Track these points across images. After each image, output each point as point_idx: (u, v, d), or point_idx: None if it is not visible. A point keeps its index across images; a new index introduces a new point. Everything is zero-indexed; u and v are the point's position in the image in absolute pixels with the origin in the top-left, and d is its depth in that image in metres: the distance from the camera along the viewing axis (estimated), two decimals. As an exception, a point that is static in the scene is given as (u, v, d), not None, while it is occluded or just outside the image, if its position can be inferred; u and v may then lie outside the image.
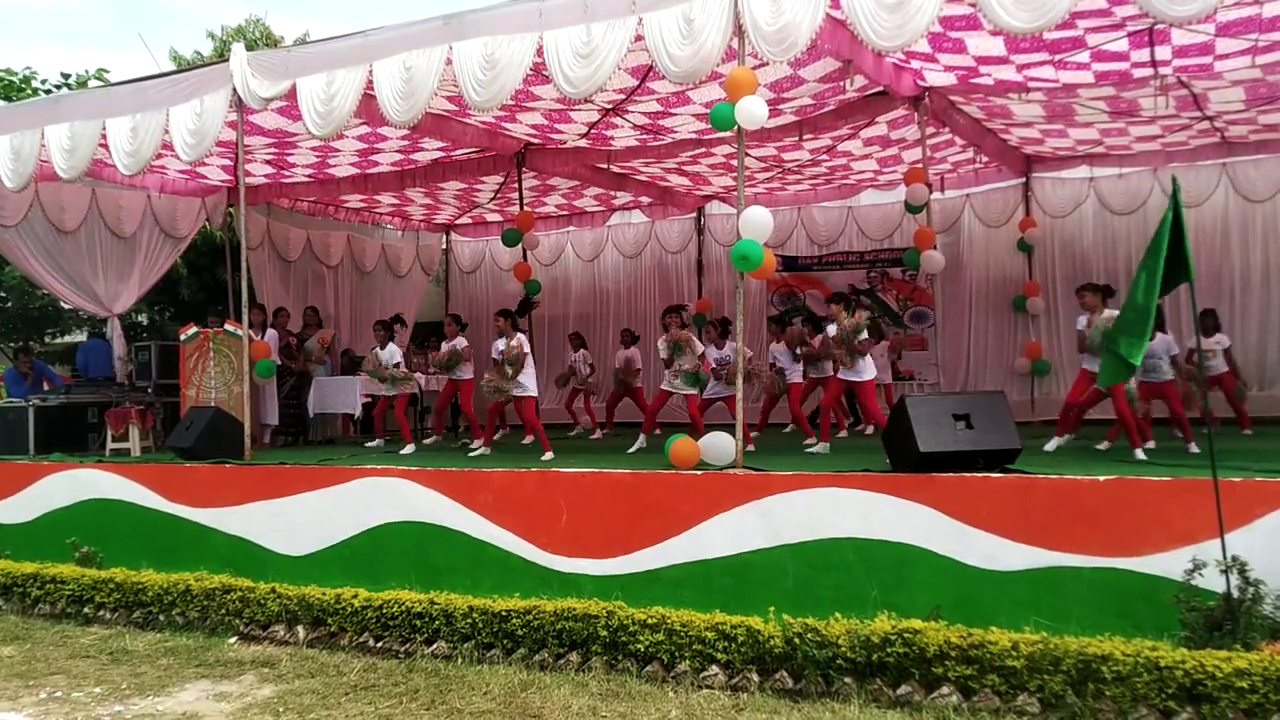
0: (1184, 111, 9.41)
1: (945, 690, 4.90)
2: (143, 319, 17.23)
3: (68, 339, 18.93)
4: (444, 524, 7.07)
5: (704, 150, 10.54)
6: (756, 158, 10.91)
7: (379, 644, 6.34)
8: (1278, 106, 9.29)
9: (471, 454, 8.75)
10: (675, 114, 9.22)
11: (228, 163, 10.82)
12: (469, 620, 6.09)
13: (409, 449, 9.55)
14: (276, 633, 6.70)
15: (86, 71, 17.30)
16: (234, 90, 8.13)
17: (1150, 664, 4.57)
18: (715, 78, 7.23)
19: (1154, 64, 7.98)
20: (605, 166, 11.36)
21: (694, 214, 14.40)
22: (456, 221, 15.53)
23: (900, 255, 12.02)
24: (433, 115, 8.92)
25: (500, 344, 9.22)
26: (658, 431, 8.92)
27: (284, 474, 7.98)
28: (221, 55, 12.18)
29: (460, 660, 5.97)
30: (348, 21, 58.76)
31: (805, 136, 9.67)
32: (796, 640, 5.22)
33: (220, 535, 7.91)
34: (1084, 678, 4.68)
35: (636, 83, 8.20)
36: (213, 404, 9.51)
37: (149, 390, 11.01)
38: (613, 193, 12.94)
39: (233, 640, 6.76)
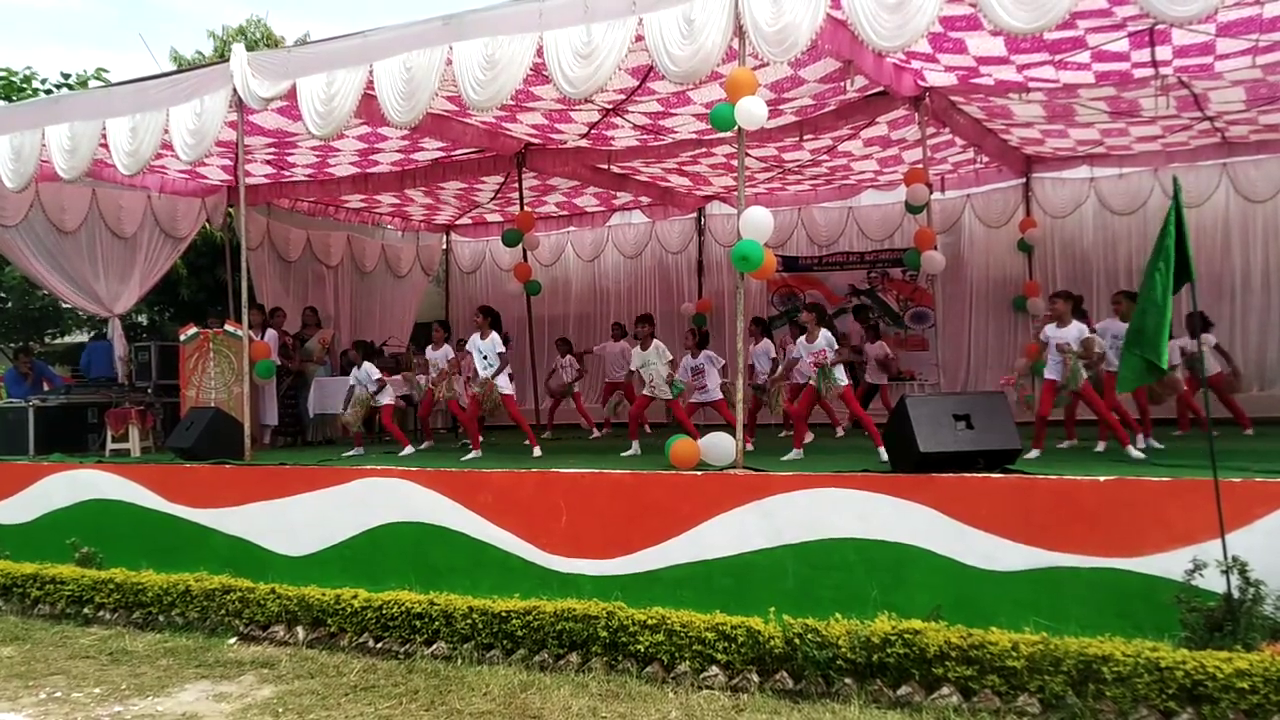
0: (1184, 112, 9.41)
1: (945, 691, 4.90)
2: (143, 319, 17.22)
3: (68, 339, 18.93)
4: (444, 524, 7.07)
5: (704, 150, 10.54)
6: (757, 158, 10.91)
7: (379, 644, 6.33)
8: (1278, 107, 9.28)
9: (464, 460, 8.73)
10: (675, 114, 9.22)
11: (228, 163, 10.82)
12: (469, 621, 6.08)
13: (408, 450, 9.54)
14: (276, 633, 6.69)
15: (85, 71, 17.31)
16: (234, 90, 8.13)
17: (1151, 664, 4.56)
18: (715, 78, 7.23)
19: (1154, 64, 7.97)
20: (605, 167, 11.36)
21: (694, 214, 14.40)
22: (457, 222, 15.53)
23: (901, 255, 12.01)
24: (433, 115, 8.91)
25: (480, 344, 9.17)
26: (648, 429, 8.92)
27: (284, 474, 7.97)
28: (222, 55, 12.18)
29: (460, 661, 5.97)
30: (348, 22, 58.78)
31: (806, 137, 9.67)
32: (797, 641, 5.21)
33: (220, 536, 7.91)
34: (1084, 678, 4.67)
35: (637, 83, 8.20)
36: (213, 404, 9.51)
37: (149, 391, 11.02)
38: (613, 193, 12.94)
39: (232, 641, 6.76)
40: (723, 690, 5.28)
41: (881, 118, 9.38)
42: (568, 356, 12.41)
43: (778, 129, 9.35)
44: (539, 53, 6.88)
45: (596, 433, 11.76)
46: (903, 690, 4.98)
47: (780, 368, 10.07)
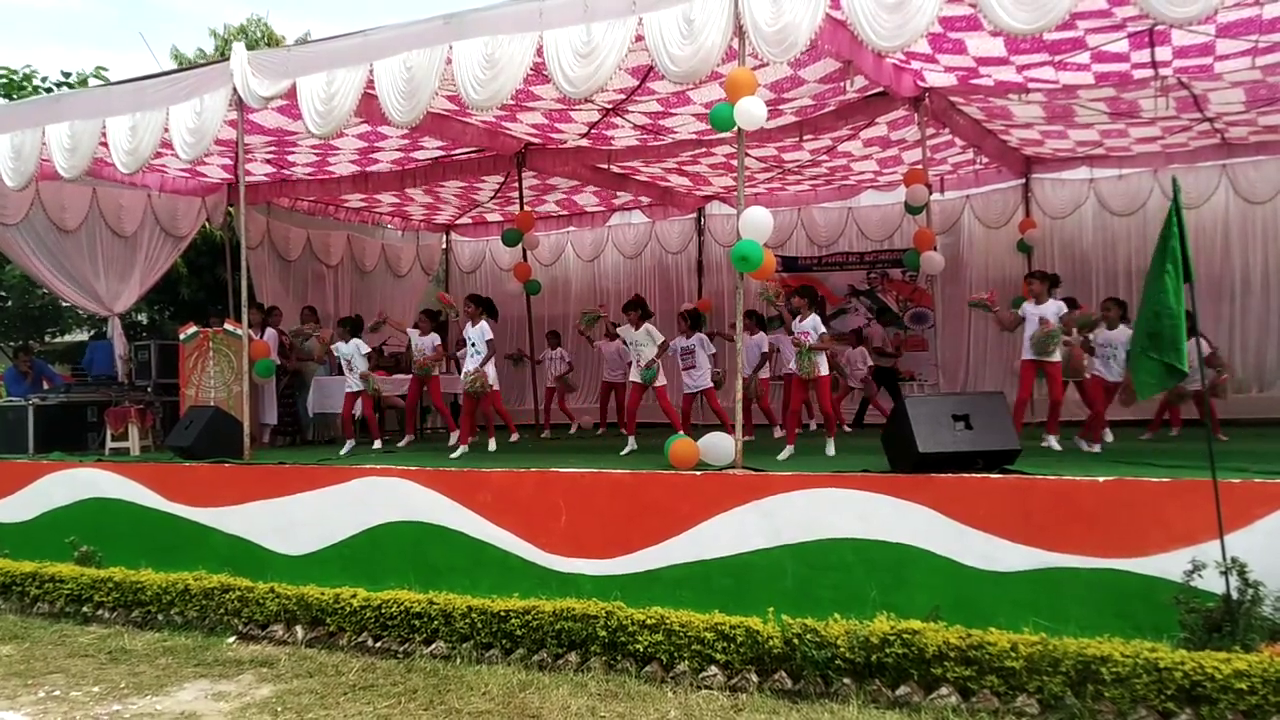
0: (1184, 113, 9.42)
1: (944, 691, 4.90)
2: (142, 318, 17.23)
3: (68, 338, 18.94)
4: (443, 524, 7.07)
5: (704, 150, 10.54)
6: (757, 158, 10.92)
7: (377, 644, 6.33)
8: (1278, 108, 9.29)
9: (453, 456, 8.73)
10: (675, 114, 9.23)
11: (228, 161, 10.83)
12: (468, 620, 6.08)
13: (377, 444, 9.58)
14: (275, 632, 6.69)
15: (83, 71, 17.31)
16: (234, 89, 8.13)
17: (1149, 665, 4.56)
18: (715, 78, 7.23)
19: (1154, 65, 7.98)
20: (605, 166, 11.36)
21: (694, 214, 14.42)
22: (457, 221, 15.53)
23: (900, 256, 12.02)
24: (433, 114, 8.92)
25: (470, 331, 9.12)
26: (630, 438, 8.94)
27: (283, 474, 7.97)
28: (223, 54, 12.17)
29: (459, 660, 5.97)
30: (348, 21, 58.77)
31: (805, 137, 9.68)
32: (795, 641, 5.21)
33: (219, 535, 7.91)
34: (1083, 679, 4.67)
35: (637, 83, 8.20)
36: (212, 403, 9.51)
37: (148, 389, 11.01)
38: (613, 193, 12.95)
39: (231, 640, 6.76)
40: (721, 690, 5.28)
41: (881, 118, 9.39)
42: (558, 349, 12.44)
43: (777, 129, 9.36)
44: (539, 52, 6.88)
45: (563, 431, 11.83)
46: (901, 690, 4.98)
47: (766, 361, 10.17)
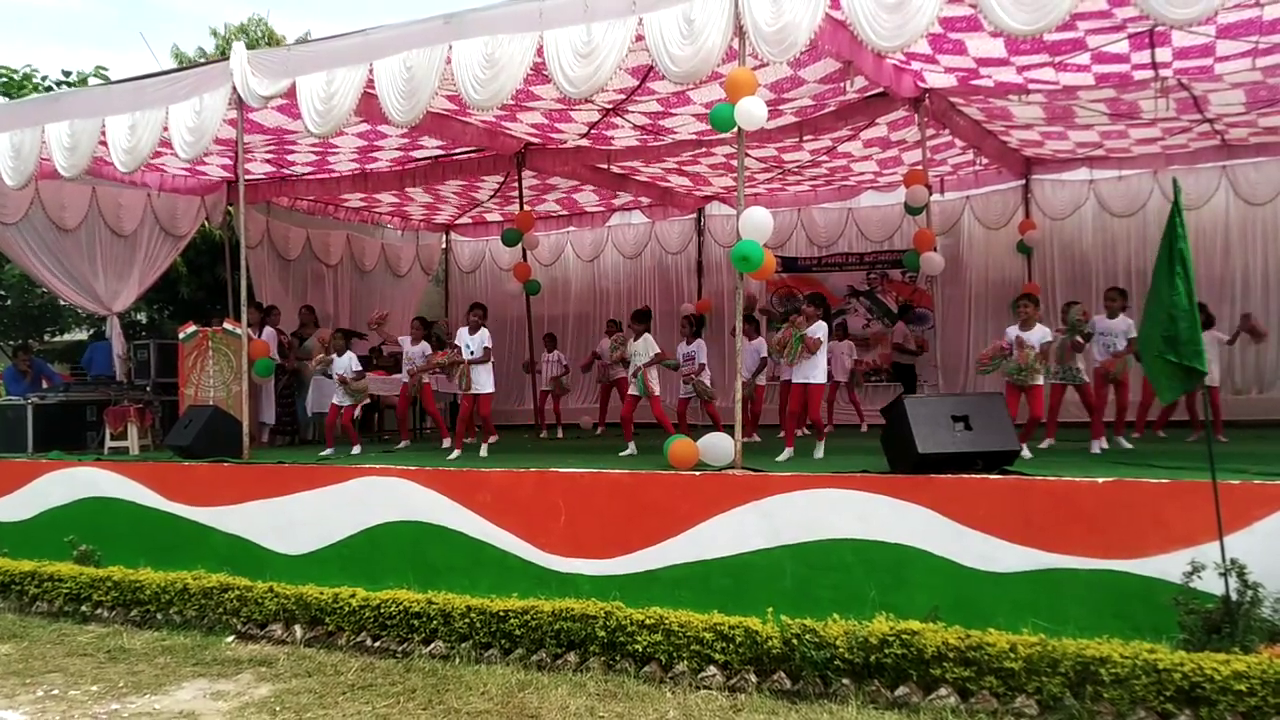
0: (1184, 114, 9.42)
1: (943, 692, 4.90)
2: (142, 317, 17.23)
3: (67, 337, 18.94)
4: (442, 524, 7.06)
5: (704, 150, 10.54)
6: (757, 158, 10.92)
7: (376, 643, 6.33)
8: (1278, 109, 9.29)
9: (449, 458, 8.72)
10: (675, 114, 9.23)
11: (227, 161, 10.83)
12: (467, 620, 6.08)
13: (356, 449, 9.59)
14: (274, 632, 6.69)
15: (83, 71, 17.32)
16: (234, 88, 8.13)
17: (1149, 666, 4.56)
18: (715, 78, 7.23)
19: (1154, 66, 7.98)
20: (605, 166, 11.36)
21: (694, 215, 14.41)
22: (456, 221, 15.53)
23: (900, 257, 12.04)
24: (433, 114, 8.91)
25: (470, 339, 9.09)
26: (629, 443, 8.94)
27: (282, 473, 7.97)
28: (223, 53, 12.18)
29: (458, 660, 5.97)
30: (349, 21, 58.76)
31: (805, 137, 9.68)
32: (794, 641, 5.21)
33: (218, 534, 7.91)
34: (1082, 680, 4.67)
35: (637, 83, 8.20)
36: (211, 403, 9.51)
37: (147, 389, 11.01)
38: (613, 193, 12.94)
39: (230, 639, 6.76)
40: (720, 690, 5.28)
41: (881, 119, 9.38)
42: (554, 352, 12.43)
43: (777, 129, 9.35)
44: (539, 52, 6.88)
45: (560, 432, 11.81)
46: (900, 691, 4.98)
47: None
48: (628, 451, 8.68)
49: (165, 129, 8.44)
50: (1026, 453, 7.51)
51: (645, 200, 13.60)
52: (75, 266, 11.31)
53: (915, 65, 8.19)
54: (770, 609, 5.51)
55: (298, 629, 6.63)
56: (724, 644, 5.38)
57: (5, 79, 16.46)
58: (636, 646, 5.56)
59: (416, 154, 10.98)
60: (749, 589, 6.02)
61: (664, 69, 6.56)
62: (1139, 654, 4.62)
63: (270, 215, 13.01)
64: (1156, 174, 11.69)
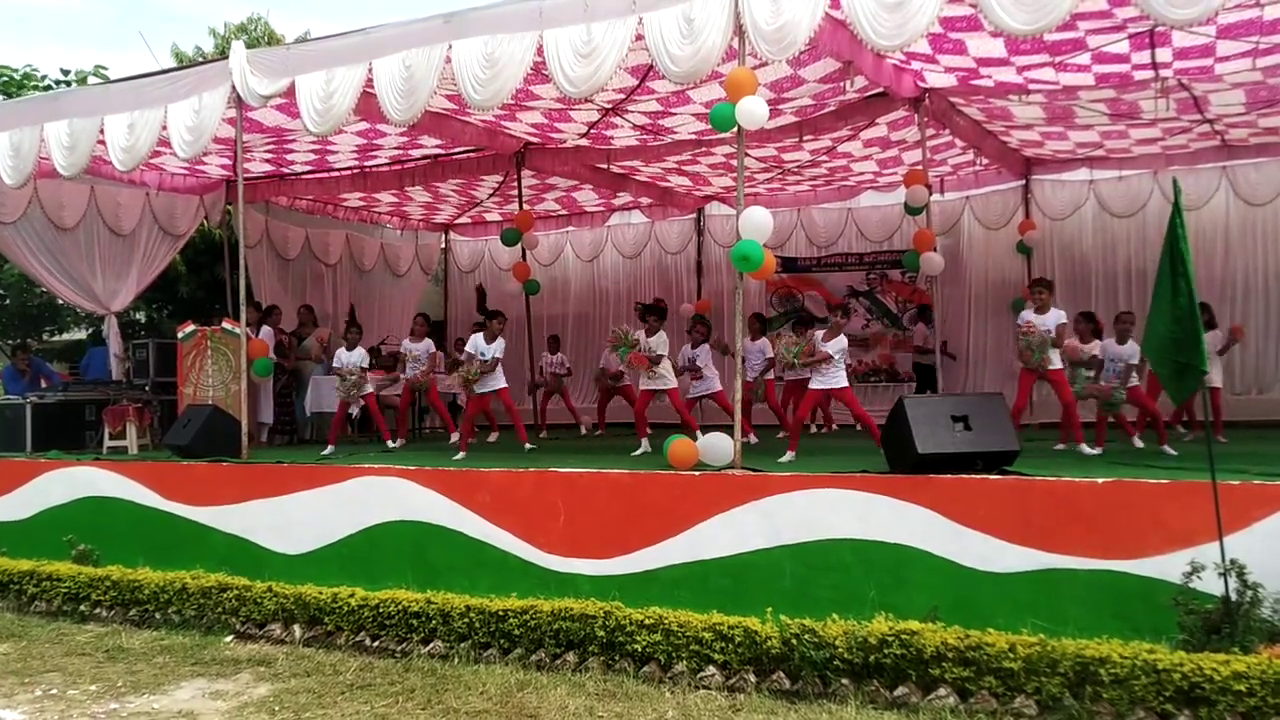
0: (1184, 114, 9.41)
1: (942, 692, 4.89)
2: (140, 317, 17.22)
3: (66, 337, 18.94)
4: (441, 523, 7.06)
5: (704, 150, 10.53)
6: (756, 158, 10.91)
7: (375, 643, 6.32)
8: (1278, 110, 9.28)
9: (455, 459, 8.70)
10: (675, 114, 9.22)
11: (226, 160, 10.83)
12: (466, 620, 6.07)
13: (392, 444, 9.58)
14: (273, 631, 6.69)
15: (82, 70, 17.31)
16: (233, 88, 8.12)
17: (1148, 666, 4.55)
18: (715, 77, 7.22)
19: (1155, 66, 7.98)
20: (605, 166, 11.36)
21: (694, 215, 14.41)
22: (456, 221, 15.53)
23: (900, 257, 12.03)
24: (432, 114, 8.91)
25: (485, 346, 9.04)
26: (649, 431, 8.87)
27: (281, 473, 7.96)
28: (223, 53, 12.17)
29: (457, 660, 5.96)
30: (348, 20, 58.76)
31: (805, 137, 9.67)
32: (794, 641, 5.21)
33: (217, 534, 7.90)
34: (1081, 680, 4.67)
35: (636, 82, 8.20)
36: (210, 402, 9.50)
37: (146, 388, 11.00)
38: (613, 193, 12.94)
39: (229, 639, 6.75)
40: (720, 690, 5.27)
41: (881, 119, 9.38)
42: (558, 354, 12.39)
43: (777, 129, 9.35)
44: (539, 51, 6.88)
45: (584, 430, 11.76)
46: (899, 691, 4.98)
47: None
48: (640, 450, 8.59)
49: (164, 128, 8.44)
50: (1087, 449, 7.45)
51: (645, 200, 13.59)
52: (73, 266, 11.30)
53: (915, 65, 8.18)
54: (769, 609, 5.50)
55: (296, 629, 6.62)
56: (723, 644, 5.38)
57: (5, 78, 16.45)
58: (635, 646, 5.56)
59: (416, 153, 10.97)
60: (748, 589, 6.01)
61: (664, 69, 6.56)
62: (1138, 654, 4.62)
63: (269, 215, 13.01)
64: (1157, 174, 11.69)
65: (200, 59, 16.95)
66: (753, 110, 6.38)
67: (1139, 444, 8.12)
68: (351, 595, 6.54)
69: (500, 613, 5.99)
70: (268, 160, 11.11)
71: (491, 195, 13.24)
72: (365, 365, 9.79)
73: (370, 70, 7.55)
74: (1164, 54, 7.71)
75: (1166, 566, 5.13)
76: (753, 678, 5.29)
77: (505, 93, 7.05)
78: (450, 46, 7.22)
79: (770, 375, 10.30)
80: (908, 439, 5.94)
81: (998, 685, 4.81)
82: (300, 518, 7.60)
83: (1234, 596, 4.82)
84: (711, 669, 5.37)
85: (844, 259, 13.67)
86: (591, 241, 15.30)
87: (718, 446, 6.63)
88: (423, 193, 13.02)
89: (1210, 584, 4.88)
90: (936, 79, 8.55)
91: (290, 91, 7.94)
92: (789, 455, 7.75)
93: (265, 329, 11.07)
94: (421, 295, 15.86)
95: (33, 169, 9.19)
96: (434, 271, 16.18)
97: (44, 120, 8.99)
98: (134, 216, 11.67)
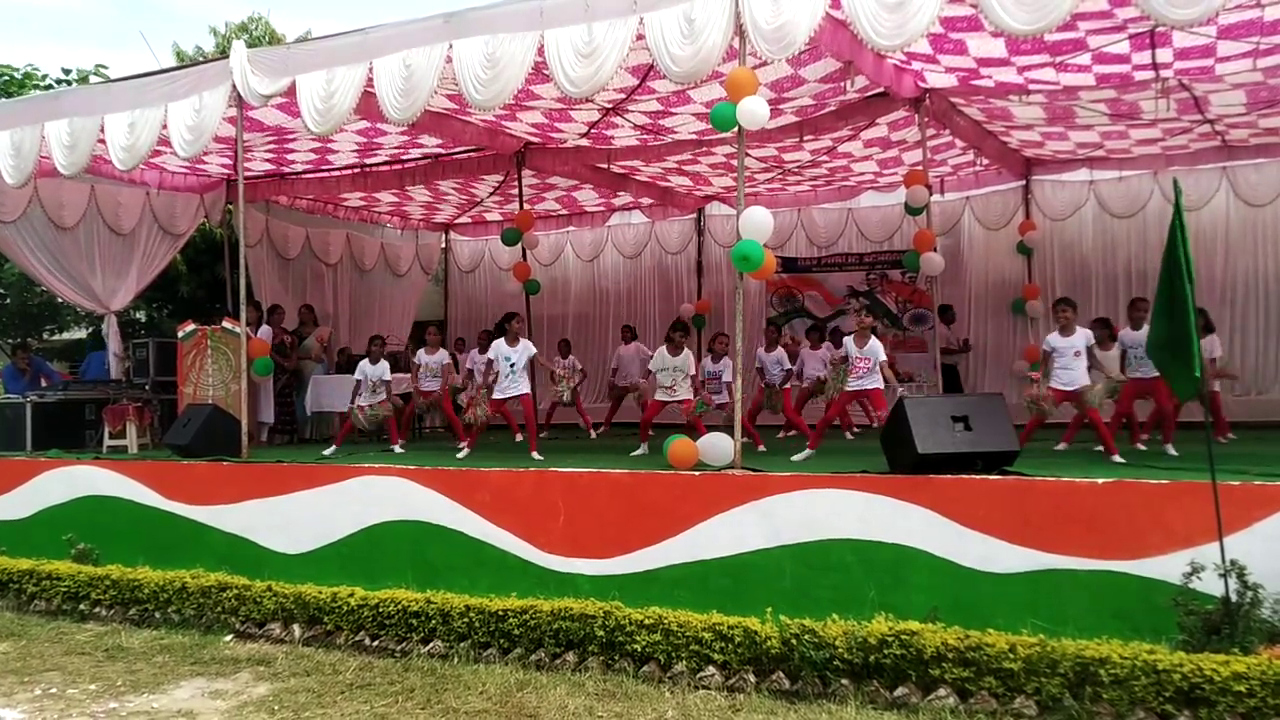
0: (1185, 114, 9.41)
1: (942, 692, 4.89)
2: (141, 316, 17.22)
3: (66, 336, 18.95)
4: (441, 523, 7.06)
5: (704, 150, 10.53)
6: (757, 158, 10.91)
7: (375, 643, 6.32)
8: (1279, 110, 9.28)
9: (459, 455, 8.69)
10: (675, 113, 9.22)
11: (227, 160, 10.82)
12: (465, 619, 6.07)
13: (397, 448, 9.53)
14: (272, 631, 6.68)
15: (83, 69, 17.32)
16: (233, 87, 8.12)
17: (1148, 667, 4.55)
18: (716, 77, 7.22)
19: (1155, 66, 7.97)
20: (605, 166, 11.36)
21: (694, 215, 14.41)
22: (456, 221, 15.52)
23: (900, 257, 12.01)
24: (433, 113, 8.92)
25: (511, 351, 8.84)
26: (651, 433, 8.86)
27: (281, 472, 7.96)
28: (223, 52, 12.17)
29: (456, 659, 5.96)
30: (349, 20, 58.73)
31: (806, 137, 9.67)
32: (793, 641, 5.21)
33: (217, 533, 7.90)
34: (1081, 680, 4.67)
35: (637, 82, 8.20)
36: (210, 401, 9.50)
37: (146, 387, 11.00)
38: (613, 193, 12.93)
39: (228, 638, 6.75)
40: (719, 690, 5.27)
41: (882, 119, 9.38)
42: (570, 358, 12.34)
43: (778, 129, 9.35)
44: (540, 51, 6.88)
45: (593, 433, 11.73)
46: (899, 691, 4.98)
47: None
48: (639, 451, 8.60)
49: (164, 127, 8.44)
50: (1118, 458, 7.28)
51: (645, 200, 13.59)
52: (73, 265, 11.30)
53: (916, 65, 8.18)
54: (769, 609, 5.50)
55: (296, 628, 6.62)
56: (723, 644, 5.38)
57: (5, 77, 16.45)
58: (635, 646, 5.56)
59: (416, 153, 10.97)
60: (748, 589, 6.01)
61: (665, 68, 6.56)
62: (1138, 655, 4.62)
63: (270, 214, 13.00)
64: (1157, 175, 11.68)
65: (201, 58, 16.95)
66: (753, 110, 6.38)
67: (1141, 446, 8.12)
68: (351, 595, 6.53)
69: (500, 612, 5.99)
70: (268, 159, 11.11)
71: (492, 194, 13.24)
72: (388, 378, 9.65)
73: (371, 70, 7.55)
74: (1164, 54, 7.70)
75: (1166, 567, 5.13)
76: (752, 678, 5.29)
77: (507, 93, 7.05)
78: (451, 46, 7.22)
79: (788, 385, 10.26)
80: (908, 439, 5.94)
81: (998, 686, 4.81)
82: (300, 517, 7.59)
83: (1234, 597, 4.82)
84: (711, 669, 5.37)
85: (844, 259, 13.65)
86: (592, 241, 15.30)
87: (718, 447, 6.63)
88: (423, 192, 13.02)
89: (1210, 585, 4.88)
90: (937, 79, 8.55)
91: (291, 91, 7.94)
92: (807, 452, 7.75)
93: (265, 328, 11.06)
94: (422, 295, 15.86)
95: (33, 168, 9.18)
96: (434, 271, 16.18)
97: (45, 119, 8.99)
98: (134, 216, 11.66)
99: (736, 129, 6.54)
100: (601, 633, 5.66)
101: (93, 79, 16.39)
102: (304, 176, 12.05)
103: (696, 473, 6.49)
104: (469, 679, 5.59)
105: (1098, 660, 4.65)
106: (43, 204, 10.90)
